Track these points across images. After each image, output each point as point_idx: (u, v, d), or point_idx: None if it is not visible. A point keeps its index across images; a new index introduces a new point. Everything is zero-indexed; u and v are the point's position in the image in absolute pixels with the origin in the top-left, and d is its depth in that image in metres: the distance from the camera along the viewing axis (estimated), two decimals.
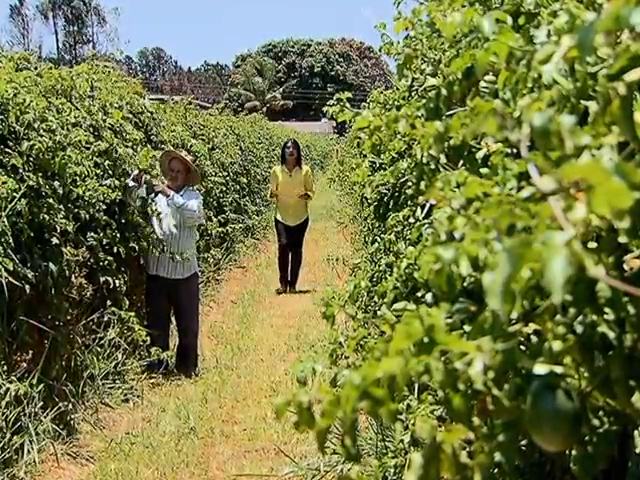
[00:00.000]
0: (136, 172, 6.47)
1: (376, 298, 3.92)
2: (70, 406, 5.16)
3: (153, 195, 6.62)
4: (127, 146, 6.75)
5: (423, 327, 0.98)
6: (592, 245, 1.12)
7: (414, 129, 1.54)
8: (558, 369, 1.08)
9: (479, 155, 1.80)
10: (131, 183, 6.45)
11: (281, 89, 73.73)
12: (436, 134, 1.40)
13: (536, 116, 1.01)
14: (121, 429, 5.44)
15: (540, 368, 1.08)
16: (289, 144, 10.95)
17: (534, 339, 1.16)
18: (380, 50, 3.67)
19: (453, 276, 1.11)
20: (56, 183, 5.11)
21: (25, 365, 4.86)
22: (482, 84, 1.76)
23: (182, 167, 6.87)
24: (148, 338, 6.20)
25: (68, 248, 5.24)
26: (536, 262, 0.85)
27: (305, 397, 1.01)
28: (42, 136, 4.96)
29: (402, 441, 2.92)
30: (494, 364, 1.03)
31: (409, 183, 2.95)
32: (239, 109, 44.51)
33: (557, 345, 1.11)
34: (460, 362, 1.01)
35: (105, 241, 6.00)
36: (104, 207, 5.94)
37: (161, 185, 6.68)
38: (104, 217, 5.97)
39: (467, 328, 1.30)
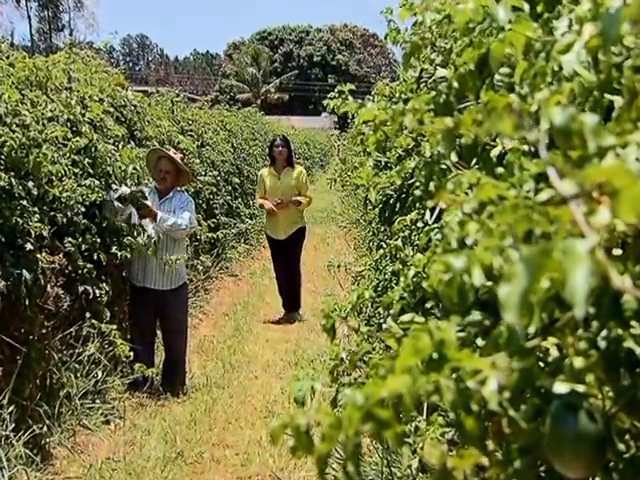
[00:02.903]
0: (125, 189, 6.44)
1: (381, 309, 3.92)
2: (45, 429, 5.15)
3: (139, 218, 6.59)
4: (108, 143, 6.75)
5: (432, 342, 0.98)
6: (617, 252, 1.12)
7: (422, 125, 1.55)
8: (580, 388, 1.08)
9: (494, 153, 1.80)
10: (117, 203, 6.42)
11: (277, 80, 73.76)
12: (445, 130, 1.40)
13: (557, 114, 1.01)
14: (101, 454, 5.44)
15: (560, 387, 1.08)
16: (277, 141, 10.04)
17: (554, 355, 1.16)
18: (386, 38, 3.68)
19: (465, 286, 1.12)
20: (30, 183, 5.11)
21: None
22: (497, 77, 1.76)
23: (171, 167, 6.86)
24: (131, 353, 6.19)
25: (43, 254, 5.23)
26: (556, 274, 0.86)
27: (303, 419, 1.01)
28: (15, 132, 4.96)
29: (410, 467, 2.92)
30: (510, 383, 1.04)
31: (417, 184, 2.96)
32: (231, 102, 44.54)
33: (579, 362, 1.12)
34: (473, 380, 1.01)
35: (84, 247, 5.99)
36: (83, 210, 5.94)
37: (146, 204, 6.55)
38: (83, 220, 5.97)
39: (481, 343, 1.30)
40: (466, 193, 1.29)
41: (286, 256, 9.92)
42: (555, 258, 0.85)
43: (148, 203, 6.53)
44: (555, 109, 1.02)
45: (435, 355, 0.98)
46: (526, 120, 1.07)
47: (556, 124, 1.00)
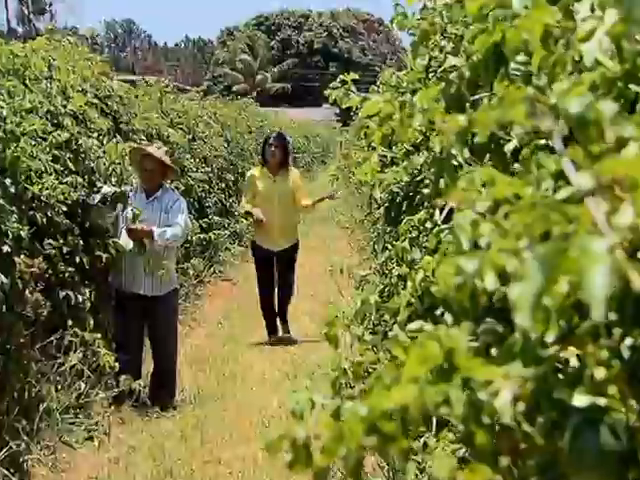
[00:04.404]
0: (107, 189, 6.43)
1: (387, 316, 3.92)
2: (23, 446, 5.14)
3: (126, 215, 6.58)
4: (92, 136, 6.75)
5: (442, 350, 0.98)
6: None
7: (432, 124, 1.55)
8: (601, 401, 1.09)
9: (508, 148, 1.81)
10: (101, 205, 6.41)
11: (275, 69, 73.81)
12: (458, 130, 1.40)
13: (573, 103, 1.01)
14: (84, 473, 5.43)
15: (580, 400, 1.08)
16: (271, 140, 9.32)
17: (573, 365, 1.17)
18: (392, 23, 3.68)
19: (477, 291, 1.12)
20: (7, 180, 5.10)
21: None
22: (512, 65, 1.77)
23: (156, 165, 6.83)
24: (117, 364, 6.19)
25: (22, 257, 5.23)
26: (573, 273, 0.86)
27: (302, 432, 1.02)
28: None
29: None
30: (525, 394, 1.04)
31: (426, 181, 2.96)
32: (225, 93, 44.57)
33: (600, 372, 1.12)
34: (485, 392, 1.01)
35: (66, 249, 5.99)
36: (64, 209, 5.93)
37: (137, 227, 6.57)
38: (64, 221, 5.97)
39: (495, 353, 1.31)
40: (479, 191, 1.30)
41: (278, 271, 9.37)
42: (571, 256, 0.85)
43: (139, 225, 6.52)
44: (571, 97, 1.03)
45: (444, 364, 0.99)
46: (540, 107, 1.07)
47: (573, 113, 1.01)
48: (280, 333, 9.36)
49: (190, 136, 11.71)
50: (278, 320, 9.45)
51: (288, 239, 9.35)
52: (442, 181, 1.95)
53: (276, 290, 9.48)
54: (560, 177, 1.14)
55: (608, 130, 0.99)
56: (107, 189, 6.45)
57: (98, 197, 6.40)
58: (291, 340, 9.21)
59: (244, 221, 14.53)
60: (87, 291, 6.30)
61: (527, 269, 0.89)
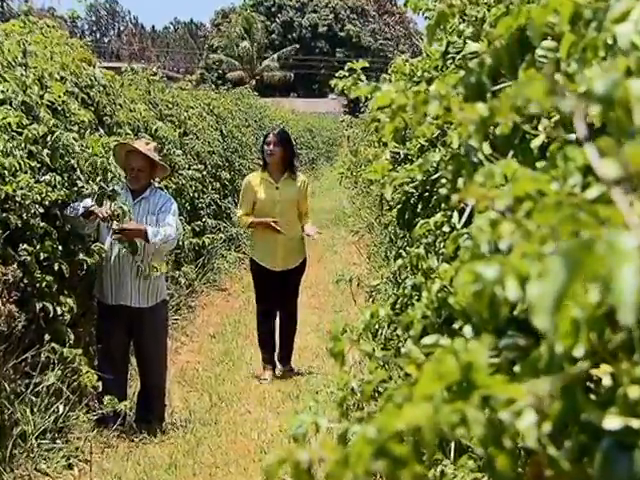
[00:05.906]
0: (88, 202, 6.41)
1: (399, 330, 3.93)
2: None
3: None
4: (72, 130, 6.75)
5: (459, 365, 0.99)
6: None
7: (449, 112, 1.55)
8: (636, 423, 1.09)
9: (535, 144, 1.81)
10: (82, 219, 6.40)
11: (275, 55, 73.81)
12: (478, 120, 1.40)
13: (598, 82, 1.01)
14: None
15: (612, 421, 1.09)
16: (269, 137, 8.63)
17: (605, 383, 1.17)
18: (405, 5, 3.69)
19: (497, 301, 1.12)
20: None
21: None
22: (539, 52, 1.77)
23: (144, 163, 6.81)
24: (100, 383, 6.18)
25: None
26: (599, 272, 0.86)
27: (304, 455, 1.02)
28: None
29: None
30: (551, 415, 1.04)
31: (443, 180, 2.96)
32: (220, 81, 44.61)
33: (634, 391, 1.12)
34: (506, 411, 1.02)
35: (43, 255, 5.99)
36: (42, 211, 5.93)
37: (128, 224, 6.52)
38: (41, 224, 5.97)
39: (517, 369, 1.31)
40: (499, 187, 1.30)
41: (280, 295, 8.70)
42: (597, 253, 0.85)
43: (130, 224, 6.49)
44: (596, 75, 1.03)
45: (462, 381, 0.99)
46: (560, 85, 1.07)
47: (596, 92, 1.00)
48: (278, 370, 8.75)
49: (181, 130, 11.72)
50: (277, 360, 8.84)
51: (293, 257, 8.72)
52: (460, 180, 1.96)
53: (277, 320, 8.90)
54: (589, 172, 1.14)
55: (637, 110, 0.98)
56: (88, 202, 6.41)
57: (81, 210, 6.37)
58: (292, 371, 8.75)
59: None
60: (67, 302, 6.29)
61: (548, 266, 0.89)
